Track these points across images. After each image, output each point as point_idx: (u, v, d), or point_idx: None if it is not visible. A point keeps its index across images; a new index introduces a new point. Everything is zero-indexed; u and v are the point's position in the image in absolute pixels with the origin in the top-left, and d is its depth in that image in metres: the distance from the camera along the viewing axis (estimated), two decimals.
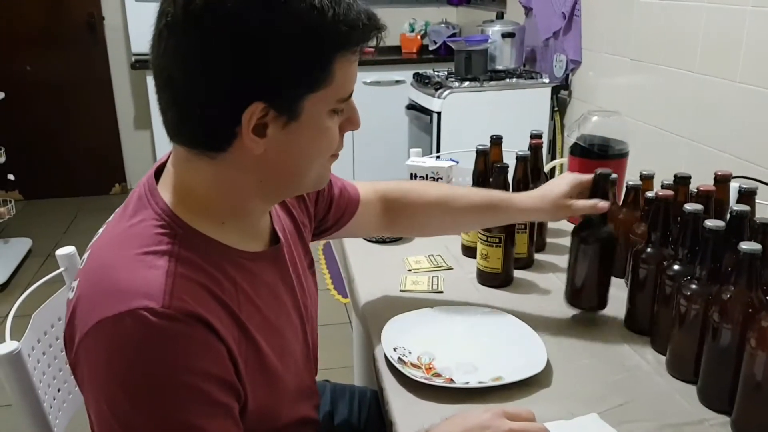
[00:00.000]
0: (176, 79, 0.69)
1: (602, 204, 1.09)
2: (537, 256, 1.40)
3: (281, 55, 0.66)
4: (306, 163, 0.75)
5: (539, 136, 1.47)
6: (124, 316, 0.64)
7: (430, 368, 1.00)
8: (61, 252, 1.11)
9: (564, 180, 1.14)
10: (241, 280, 0.75)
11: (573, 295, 1.14)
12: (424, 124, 3.06)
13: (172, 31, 0.67)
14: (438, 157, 2.18)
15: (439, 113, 2.91)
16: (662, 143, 2.28)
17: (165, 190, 0.75)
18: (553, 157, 3.06)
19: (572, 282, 1.13)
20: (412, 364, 1.01)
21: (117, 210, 0.78)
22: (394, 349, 1.04)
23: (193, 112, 0.69)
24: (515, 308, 1.17)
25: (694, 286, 0.94)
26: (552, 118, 3.05)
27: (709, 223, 0.92)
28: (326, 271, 3.28)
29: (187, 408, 0.66)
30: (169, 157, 0.78)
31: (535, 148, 1.43)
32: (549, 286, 1.28)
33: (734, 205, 1.00)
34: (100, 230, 0.78)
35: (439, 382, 0.96)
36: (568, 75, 3.02)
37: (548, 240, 1.48)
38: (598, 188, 1.12)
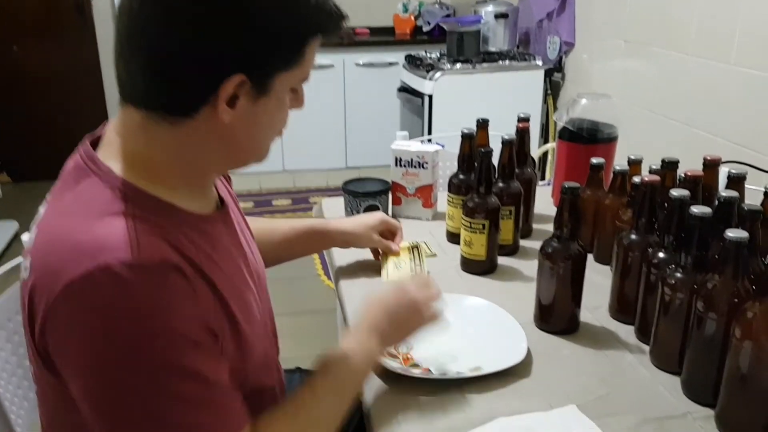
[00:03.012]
0: (157, 44, 0.68)
1: (394, 248, 1.25)
2: (522, 243, 1.37)
3: (269, 30, 0.68)
4: (264, 137, 0.78)
5: (527, 120, 1.44)
6: (93, 273, 0.62)
7: (408, 358, 0.97)
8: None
9: (377, 215, 1.27)
10: (200, 241, 0.74)
11: (540, 317, 1.07)
12: (416, 107, 3.02)
13: None
14: (430, 140, 2.14)
15: (430, 96, 2.87)
16: (656, 127, 2.25)
17: (108, 159, 0.73)
18: (545, 141, 3.03)
19: (539, 303, 1.07)
20: (390, 354, 0.98)
21: (54, 187, 0.75)
22: None
23: (171, 77, 0.69)
24: (498, 296, 1.14)
25: (678, 275, 0.91)
26: (545, 101, 3.02)
27: (696, 209, 0.88)
28: (315, 255, 3.25)
29: (180, 353, 0.66)
30: (104, 131, 0.77)
31: (521, 132, 1.39)
32: (533, 273, 1.24)
33: (722, 191, 0.98)
34: (41, 209, 0.75)
35: (416, 373, 0.93)
36: (561, 57, 2.98)
37: (534, 226, 1.45)
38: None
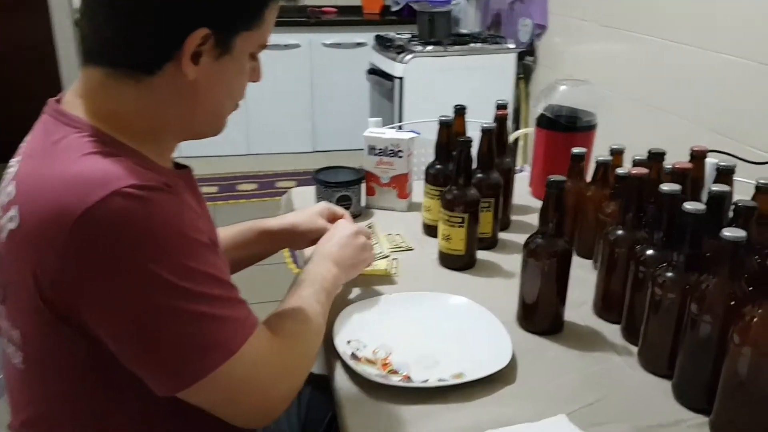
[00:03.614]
0: None
1: (345, 216, 1.18)
2: (501, 235, 1.32)
3: None
4: (225, 101, 0.79)
5: (504, 107, 1.38)
6: (112, 197, 0.64)
7: (386, 364, 0.92)
8: None
9: (319, 204, 1.20)
10: (180, 190, 0.74)
11: (523, 316, 1.02)
12: (387, 90, 2.94)
13: None
14: (400, 127, 2.08)
15: (401, 79, 2.79)
16: (633, 115, 2.22)
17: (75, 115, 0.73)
18: (517, 126, 2.99)
19: (522, 301, 1.02)
20: (367, 360, 0.92)
21: (23, 146, 0.76)
22: (348, 342, 0.95)
23: (136, 31, 0.71)
24: (478, 293, 1.09)
25: (670, 274, 0.87)
26: (517, 85, 2.97)
27: (689, 206, 0.84)
28: None
29: (204, 258, 0.70)
30: (63, 97, 0.77)
31: (500, 120, 1.33)
32: (514, 268, 1.20)
33: (713, 186, 0.93)
34: (11, 169, 0.75)
35: (395, 380, 0.87)
36: (533, 40, 2.93)
37: (513, 218, 1.40)
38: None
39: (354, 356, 0.92)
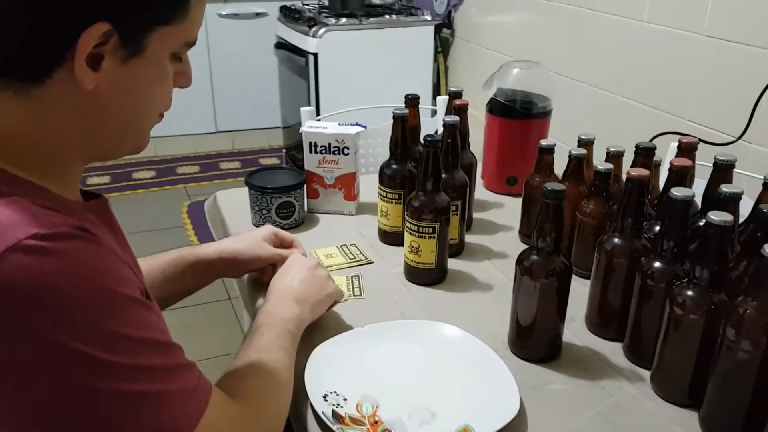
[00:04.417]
0: None
1: (296, 244, 1.03)
2: (466, 238, 1.19)
3: None
4: (140, 112, 0.63)
5: (460, 95, 1.24)
6: (8, 254, 0.50)
7: (377, 423, 0.76)
8: None
9: (265, 227, 1.03)
10: (89, 227, 0.58)
11: (518, 342, 0.89)
12: (298, 67, 2.72)
13: None
14: (317, 116, 1.88)
15: (315, 54, 2.58)
16: (567, 93, 2.14)
17: None
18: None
19: (516, 325, 0.89)
20: (352, 419, 0.76)
21: None
22: (325, 398, 0.79)
23: (13, 28, 0.54)
24: (457, 314, 0.96)
25: (691, 293, 0.77)
26: (435, 59, 2.84)
27: (715, 217, 0.74)
28: (195, 238, 2.91)
29: (137, 319, 0.56)
30: None
31: (460, 111, 1.19)
32: (488, 278, 1.08)
33: (724, 187, 0.84)
34: None
35: None
36: (450, 12, 2.80)
37: (474, 215, 1.27)
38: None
39: (336, 416, 0.76)
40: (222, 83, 3.72)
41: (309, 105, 2.52)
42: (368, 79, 2.59)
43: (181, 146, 3.75)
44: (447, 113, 1.22)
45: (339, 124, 1.24)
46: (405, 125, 1.13)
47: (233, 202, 1.31)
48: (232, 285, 1.01)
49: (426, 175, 1.00)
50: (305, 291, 0.88)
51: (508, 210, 1.32)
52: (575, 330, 0.94)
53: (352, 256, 1.11)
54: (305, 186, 1.23)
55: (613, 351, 0.91)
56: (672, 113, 1.74)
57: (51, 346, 0.51)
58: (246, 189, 1.21)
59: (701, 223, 0.90)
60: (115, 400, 0.54)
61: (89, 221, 0.60)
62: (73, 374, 0.52)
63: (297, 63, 2.72)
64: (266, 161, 3.77)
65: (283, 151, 3.43)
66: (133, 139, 0.65)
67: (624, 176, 1.09)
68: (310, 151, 1.23)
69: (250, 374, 0.72)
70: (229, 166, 3.73)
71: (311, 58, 2.58)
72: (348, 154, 1.22)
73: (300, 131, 1.24)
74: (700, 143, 1.02)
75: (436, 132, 1.35)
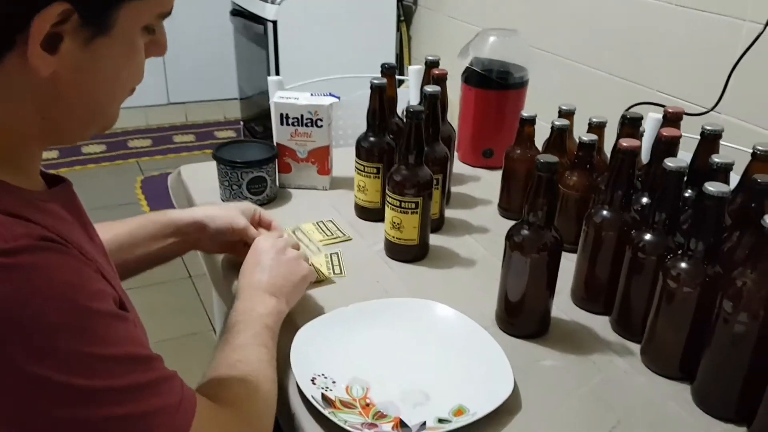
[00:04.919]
0: None
1: (273, 225, 0.97)
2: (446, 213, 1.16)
3: None
4: (110, 93, 0.56)
5: (437, 64, 1.20)
6: None
7: (368, 404, 0.73)
8: None
9: (248, 204, 0.98)
10: (50, 224, 0.52)
11: (505, 318, 0.87)
12: (256, 35, 2.62)
13: None
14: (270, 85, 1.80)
15: (274, 22, 2.48)
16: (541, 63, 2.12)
17: None
18: (401, 73, 2.81)
19: (505, 301, 0.87)
20: (342, 402, 0.73)
21: None
22: (313, 381, 0.75)
23: None
24: (441, 291, 0.93)
25: (685, 266, 0.76)
26: (398, 28, 2.78)
27: (712, 188, 0.72)
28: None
29: (114, 335, 0.51)
30: None
31: (439, 80, 1.15)
32: (470, 253, 1.06)
33: (715, 158, 0.83)
34: None
35: (387, 429, 0.69)
36: None
37: (452, 189, 1.24)
38: None
39: (325, 400, 0.72)
40: (174, 52, 3.54)
41: (268, 75, 2.43)
42: (329, 49, 2.51)
43: (132, 119, 3.60)
44: (425, 83, 1.17)
45: (311, 95, 1.19)
46: (383, 96, 1.08)
47: (199, 176, 1.25)
48: (192, 263, 0.96)
49: (408, 148, 0.96)
50: (277, 280, 0.82)
51: (485, 183, 1.30)
52: (561, 305, 0.93)
53: (329, 233, 1.07)
54: (277, 160, 1.17)
55: (601, 325, 0.90)
56: (642, 84, 1.74)
57: (21, 377, 0.46)
58: (213, 163, 1.15)
59: (687, 194, 0.90)
60: (100, 427, 0.49)
61: (54, 214, 0.55)
62: (50, 406, 0.47)
63: (254, 31, 2.62)
64: (222, 134, 3.65)
65: (241, 123, 3.33)
66: (99, 121, 0.58)
67: (606, 148, 1.08)
68: (282, 123, 1.17)
69: (233, 377, 0.67)
70: (183, 140, 3.60)
71: (270, 25, 2.49)
72: (321, 126, 1.17)
73: (271, 101, 1.18)
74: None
75: (409, 103, 1.30)
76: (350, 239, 1.07)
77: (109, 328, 0.51)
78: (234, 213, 0.93)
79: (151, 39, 0.58)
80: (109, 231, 0.84)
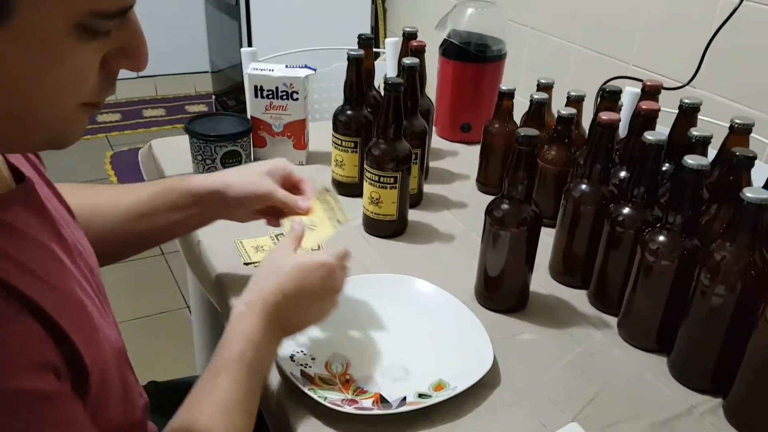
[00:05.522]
0: None
1: (304, 204, 0.82)
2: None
3: None
4: (26, 97, 0.45)
5: (414, 36, 1.18)
6: None
7: (348, 381, 0.72)
8: None
9: (270, 161, 0.85)
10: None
11: (485, 293, 0.87)
12: (228, 6, 2.56)
13: None
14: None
15: None
16: (518, 36, 2.10)
17: None
18: (376, 45, 2.78)
19: (484, 275, 0.86)
20: (322, 379, 0.72)
21: None
22: (292, 358, 0.74)
23: None
24: (421, 267, 0.93)
25: (663, 239, 0.76)
26: (373, 1, 2.73)
27: (691, 161, 0.72)
28: None
29: (41, 422, 0.45)
30: None
31: (417, 52, 1.13)
32: (449, 228, 1.05)
33: (694, 131, 0.83)
34: None
35: (368, 405, 0.69)
36: None
37: (430, 164, 1.23)
38: None
39: (305, 376, 0.72)
40: (142, 23, 3.47)
41: (241, 47, 2.37)
42: (304, 22, 2.46)
43: None
44: (402, 56, 1.15)
45: (286, 66, 1.16)
46: (361, 68, 1.06)
47: (171, 150, 1.22)
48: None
49: (387, 121, 0.95)
50: (303, 323, 0.72)
51: (463, 158, 1.29)
52: (539, 279, 0.93)
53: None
54: (251, 134, 1.15)
55: (579, 299, 0.90)
56: (618, 58, 1.74)
57: None
58: (185, 137, 1.12)
59: (665, 168, 0.91)
60: None
61: (17, 215, 0.50)
62: None
63: (226, 2, 2.55)
64: (193, 108, 3.58)
65: (213, 97, 3.27)
66: (36, 132, 0.48)
67: (584, 122, 1.08)
68: (256, 96, 1.14)
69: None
70: (152, 114, 3.52)
71: None
72: (297, 99, 1.14)
73: (245, 73, 1.15)
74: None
75: (386, 76, 1.28)
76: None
77: (40, 413, 0.45)
78: (256, 177, 0.82)
79: (117, 47, 0.48)
80: (131, 195, 0.80)
